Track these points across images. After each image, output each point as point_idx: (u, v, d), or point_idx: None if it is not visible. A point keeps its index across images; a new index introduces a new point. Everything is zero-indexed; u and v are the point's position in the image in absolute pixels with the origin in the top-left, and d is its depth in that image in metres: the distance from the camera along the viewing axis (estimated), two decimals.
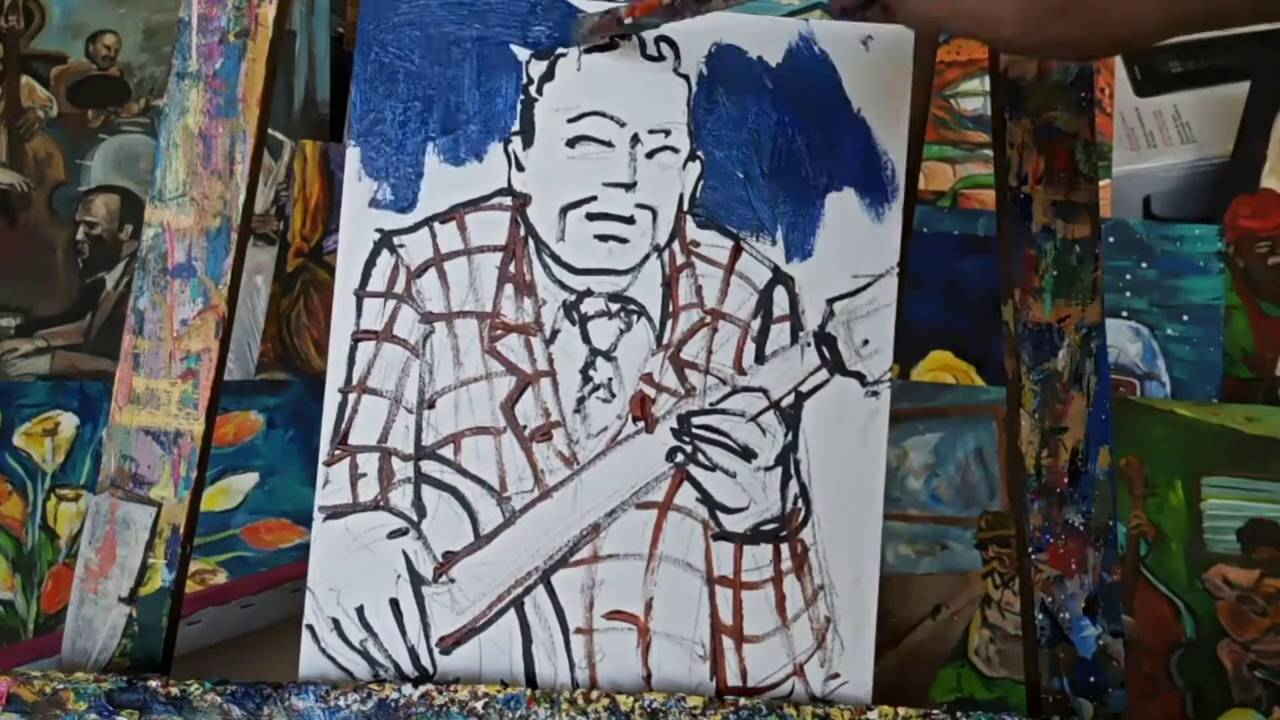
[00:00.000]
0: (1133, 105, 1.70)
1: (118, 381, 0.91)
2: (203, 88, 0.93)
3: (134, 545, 0.90)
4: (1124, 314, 1.54)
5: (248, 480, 1.50)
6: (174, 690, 0.85)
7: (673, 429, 0.94)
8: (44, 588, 1.44)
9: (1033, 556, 0.93)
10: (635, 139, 0.94)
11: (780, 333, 0.94)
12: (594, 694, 0.87)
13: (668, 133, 0.95)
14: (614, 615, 0.92)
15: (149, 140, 1.66)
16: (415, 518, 0.92)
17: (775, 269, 0.95)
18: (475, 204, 0.94)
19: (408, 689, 0.86)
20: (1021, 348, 0.94)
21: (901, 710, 0.88)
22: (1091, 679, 0.92)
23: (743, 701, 0.88)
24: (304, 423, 1.54)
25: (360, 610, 0.91)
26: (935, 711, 0.88)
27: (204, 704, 0.85)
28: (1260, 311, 1.56)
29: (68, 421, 1.51)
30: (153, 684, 0.85)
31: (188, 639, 0.98)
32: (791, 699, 0.92)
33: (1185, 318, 1.54)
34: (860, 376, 0.94)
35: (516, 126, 0.95)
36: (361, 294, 0.93)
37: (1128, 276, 1.55)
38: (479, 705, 0.86)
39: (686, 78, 0.95)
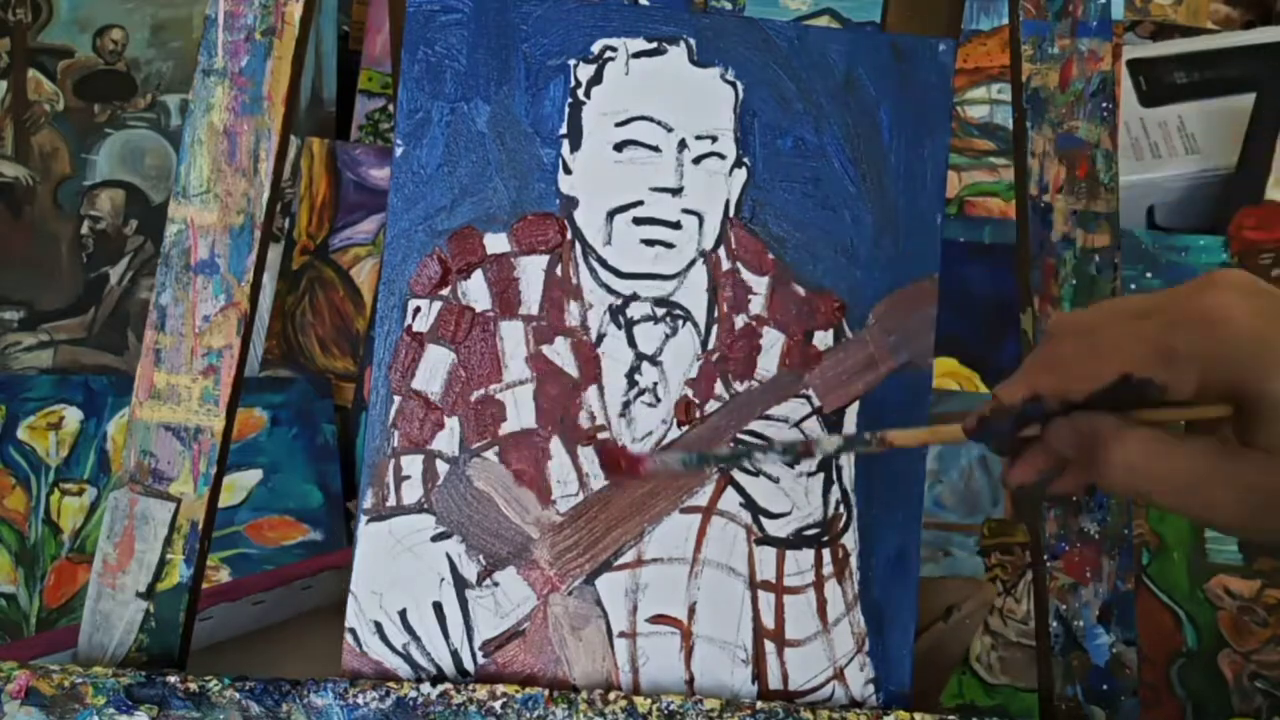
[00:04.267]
0: (1138, 115, 1.71)
1: (139, 377, 0.91)
2: (228, 85, 0.93)
3: (152, 541, 0.90)
4: None
5: (251, 477, 1.50)
6: (193, 686, 0.85)
7: None
8: (46, 582, 1.44)
9: (1048, 564, 0.93)
10: (682, 144, 0.95)
11: (824, 339, 0.95)
12: (611, 695, 0.87)
13: (715, 139, 0.95)
14: (657, 619, 0.92)
15: (155, 135, 1.66)
16: (459, 520, 0.92)
17: (820, 275, 0.95)
18: (523, 206, 0.95)
19: (426, 688, 0.86)
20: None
21: (917, 715, 0.88)
22: (1104, 687, 0.92)
23: (759, 705, 0.88)
24: (307, 420, 1.54)
25: (403, 613, 0.91)
26: (951, 718, 0.88)
27: (223, 700, 0.85)
28: None
29: (71, 415, 1.51)
30: (171, 679, 0.85)
31: (199, 635, 0.98)
32: (832, 702, 0.92)
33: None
34: (901, 381, 0.95)
35: (564, 130, 0.95)
36: (407, 295, 0.93)
37: (1132, 286, 1.55)
38: (497, 705, 0.86)
39: (734, 85, 0.95)
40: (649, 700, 0.87)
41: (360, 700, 0.85)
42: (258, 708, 0.85)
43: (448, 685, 0.86)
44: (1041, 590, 0.94)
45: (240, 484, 1.50)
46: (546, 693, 0.86)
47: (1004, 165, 1.61)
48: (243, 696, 0.85)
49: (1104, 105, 0.96)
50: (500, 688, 0.86)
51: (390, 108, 1.71)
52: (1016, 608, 1.44)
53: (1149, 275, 1.56)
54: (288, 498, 1.50)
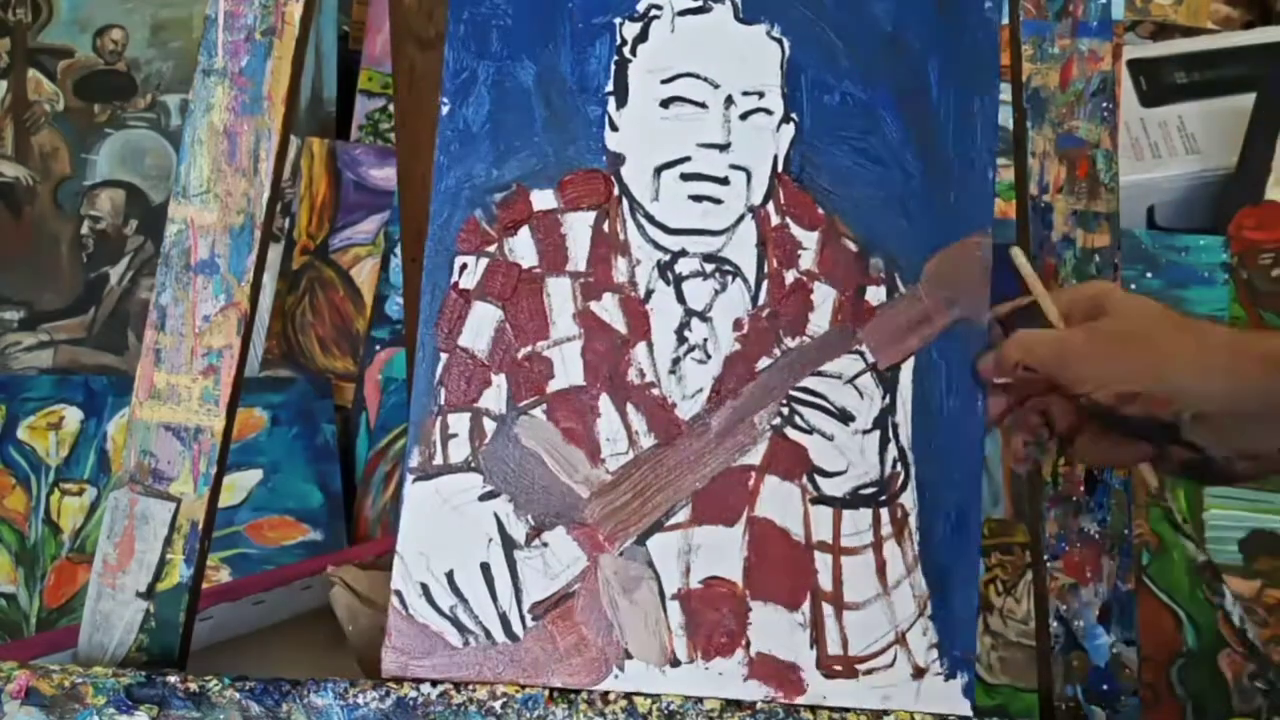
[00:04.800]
0: (1138, 115, 1.71)
1: (139, 376, 0.91)
2: (228, 85, 0.93)
3: (152, 540, 0.90)
4: None
5: (251, 477, 1.50)
6: (193, 686, 0.85)
7: None
8: (46, 582, 1.44)
9: (1048, 564, 0.93)
10: (729, 100, 0.94)
11: (877, 294, 0.94)
12: (611, 694, 0.87)
13: (761, 94, 0.94)
14: (711, 581, 0.91)
15: (155, 135, 1.66)
16: (507, 479, 0.91)
17: (870, 230, 0.94)
18: (569, 163, 0.94)
19: (426, 688, 0.86)
20: None
21: (917, 714, 0.88)
22: (1104, 687, 0.92)
23: (759, 704, 0.88)
24: (307, 420, 1.54)
25: (450, 575, 0.90)
26: (950, 716, 0.88)
27: (223, 699, 0.85)
28: (1263, 323, 1.56)
29: (71, 416, 1.51)
30: (171, 679, 0.85)
31: (198, 635, 0.98)
32: (894, 669, 0.91)
33: None
34: (956, 336, 0.94)
35: (610, 87, 0.95)
36: (454, 251, 0.93)
37: (1132, 286, 1.55)
38: (497, 705, 0.86)
39: (780, 41, 0.95)
40: (649, 700, 0.87)
41: (360, 700, 0.85)
42: (258, 707, 0.85)
43: (447, 685, 0.86)
44: (1041, 590, 0.94)
45: (240, 484, 1.50)
46: (546, 693, 0.86)
47: (1004, 165, 1.60)
48: (243, 696, 0.85)
49: (1104, 105, 0.96)
50: (500, 688, 0.86)
51: (390, 108, 1.71)
52: (1016, 608, 1.44)
53: (1149, 275, 1.56)
54: (288, 498, 1.50)
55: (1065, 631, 0.92)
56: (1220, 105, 1.70)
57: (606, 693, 0.87)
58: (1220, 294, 1.55)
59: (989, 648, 1.42)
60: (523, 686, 0.87)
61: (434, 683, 0.87)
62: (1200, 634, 1.42)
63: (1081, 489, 0.93)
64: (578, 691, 0.87)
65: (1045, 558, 0.93)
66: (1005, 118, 1.59)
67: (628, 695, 0.87)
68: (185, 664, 0.91)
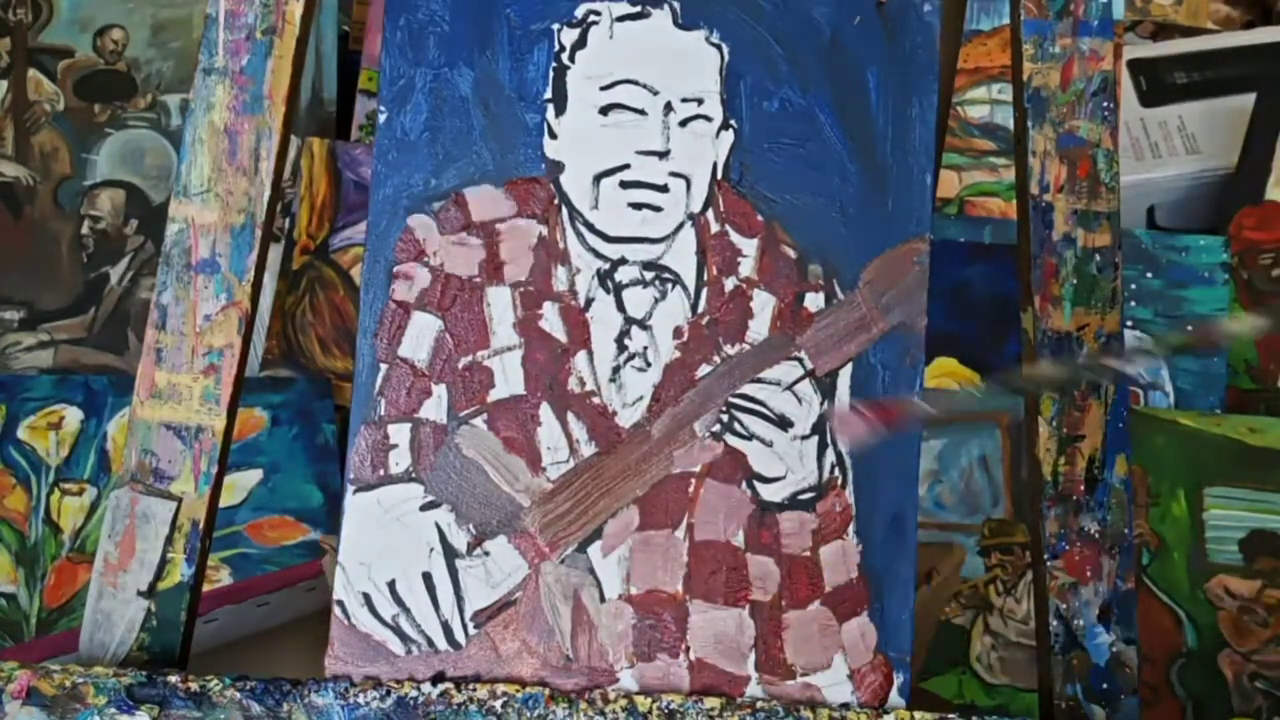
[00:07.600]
0: (1138, 115, 1.71)
1: (139, 375, 0.91)
2: (229, 84, 0.93)
3: (153, 540, 0.90)
4: (1129, 323, 1.54)
5: (251, 477, 1.50)
6: (194, 685, 0.85)
7: None
8: (46, 582, 1.44)
9: (1048, 563, 0.93)
10: (668, 107, 0.95)
11: (815, 301, 0.94)
12: (611, 694, 0.87)
13: (700, 101, 0.95)
14: (651, 586, 0.92)
15: (155, 135, 1.66)
16: (448, 489, 0.92)
17: (809, 236, 0.95)
18: (508, 171, 0.94)
19: (426, 687, 0.86)
20: (1040, 355, 0.94)
21: (918, 714, 0.88)
22: (1104, 686, 0.92)
23: (759, 703, 0.88)
24: (308, 420, 1.54)
25: (392, 584, 0.91)
26: (950, 716, 0.88)
27: (224, 699, 0.85)
28: None
29: (72, 415, 1.51)
30: (172, 679, 0.85)
31: (204, 637, 0.98)
32: (832, 669, 0.92)
33: (1190, 328, 1.54)
34: (894, 342, 0.94)
35: (549, 94, 0.95)
36: (392, 261, 0.93)
37: (1133, 286, 1.55)
38: (497, 704, 0.86)
39: (719, 47, 0.95)
40: (649, 699, 0.87)
41: (361, 700, 0.85)
42: (259, 707, 0.85)
43: (448, 685, 0.86)
44: (1041, 590, 0.94)
45: (240, 484, 1.49)
46: (546, 692, 0.87)
47: (1004, 165, 1.60)
48: (243, 696, 0.85)
49: (1105, 104, 0.96)
50: (500, 687, 0.86)
51: None
52: (1016, 608, 1.43)
53: (1149, 275, 1.56)
54: (288, 498, 1.50)
55: (1065, 631, 0.92)
56: (1220, 105, 1.70)
57: (607, 692, 0.87)
58: (1220, 294, 1.55)
59: (989, 647, 1.42)
60: (523, 685, 0.87)
61: (434, 681, 0.87)
62: (1200, 634, 1.42)
63: (1081, 488, 0.93)
64: (580, 695, 0.88)
65: (1045, 557, 0.93)
66: (1006, 117, 1.60)
67: (628, 695, 0.87)
68: (186, 663, 0.91)
